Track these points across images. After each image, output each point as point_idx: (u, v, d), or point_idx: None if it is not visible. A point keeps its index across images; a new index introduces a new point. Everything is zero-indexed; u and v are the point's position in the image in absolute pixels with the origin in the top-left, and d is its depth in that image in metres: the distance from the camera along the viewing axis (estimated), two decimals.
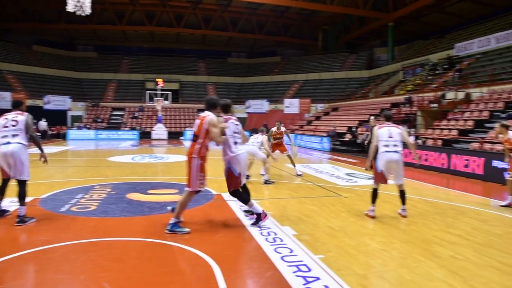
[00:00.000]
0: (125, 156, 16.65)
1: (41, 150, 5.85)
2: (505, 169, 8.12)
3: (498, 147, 11.54)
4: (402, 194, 6.21)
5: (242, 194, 5.51)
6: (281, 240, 4.80)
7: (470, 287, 3.55)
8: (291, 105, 34.95)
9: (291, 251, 4.41)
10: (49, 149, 19.55)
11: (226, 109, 5.61)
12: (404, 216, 6.13)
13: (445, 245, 4.78)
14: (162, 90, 33.96)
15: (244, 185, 5.74)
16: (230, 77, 43.87)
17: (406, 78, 29.83)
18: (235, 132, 5.41)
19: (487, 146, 12.49)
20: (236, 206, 6.73)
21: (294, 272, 3.78)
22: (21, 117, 5.64)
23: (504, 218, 6.39)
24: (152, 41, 45.82)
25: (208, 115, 5.09)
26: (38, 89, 35.16)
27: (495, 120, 14.41)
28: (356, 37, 40.49)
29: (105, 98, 38.14)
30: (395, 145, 6.01)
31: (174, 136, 32.66)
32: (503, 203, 7.31)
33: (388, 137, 6.05)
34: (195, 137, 5.10)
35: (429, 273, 3.85)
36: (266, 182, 9.32)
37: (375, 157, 6.23)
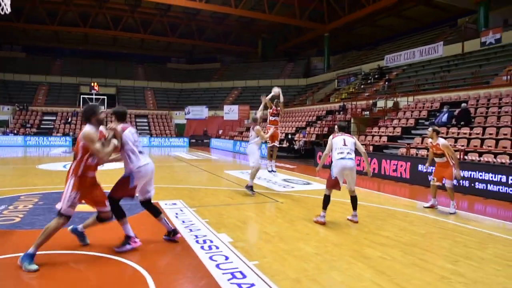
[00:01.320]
0: (56, 163, 15.72)
1: None
2: (429, 174, 8.72)
3: (423, 152, 12.39)
4: (354, 200, 6.40)
5: (119, 208, 4.72)
6: (217, 248, 4.78)
7: (395, 285, 3.76)
8: (231, 112, 35.11)
9: (227, 258, 4.41)
10: None
11: (122, 117, 4.87)
12: (355, 222, 6.30)
13: (375, 246, 5.03)
14: (97, 94, 32.59)
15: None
16: (169, 83, 43.15)
17: (341, 87, 31.16)
18: (136, 141, 4.78)
19: (413, 151, 13.35)
20: (172, 214, 6.60)
21: (229, 280, 3.78)
22: None
23: (427, 218, 6.86)
24: (87, 43, 43.87)
25: (84, 130, 4.35)
26: None
27: (420, 127, 15.49)
28: (293, 46, 41.72)
29: (35, 102, 35.83)
30: (349, 153, 6.17)
31: None
32: (427, 204, 7.86)
33: (343, 145, 6.22)
34: (75, 155, 4.46)
35: (359, 274, 4.03)
36: (249, 188, 8.85)
37: (328, 165, 6.40)
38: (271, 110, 10.13)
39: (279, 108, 10.19)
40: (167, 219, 5.40)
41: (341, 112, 23.10)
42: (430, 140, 7.67)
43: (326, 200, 6.22)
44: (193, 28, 40.07)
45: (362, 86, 27.78)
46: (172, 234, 5.02)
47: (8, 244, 4.87)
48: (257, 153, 8.99)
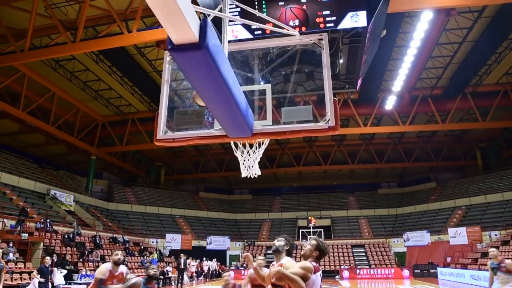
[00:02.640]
0: None
1: None
2: None
3: None
4: None
5: None
6: None
7: None
8: (457, 235, 30.96)
9: None
10: None
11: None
12: None
13: None
14: (314, 227, 34.03)
15: None
16: (382, 209, 42.01)
17: None
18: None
19: None
20: None
21: None
22: None
23: None
24: (301, 180, 48.07)
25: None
26: (203, 230, 38.96)
27: None
28: None
29: (260, 237, 39.68)
30: None
31: (329, 275, 31.14)
32: None
33: None
34: None
35: None
36: None
37: None
38: None
39: None
40: None
41: None
42: None
43: None
44: (400, 151, 39.63)
45: None
46: None
47: None
48: None
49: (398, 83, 25.59)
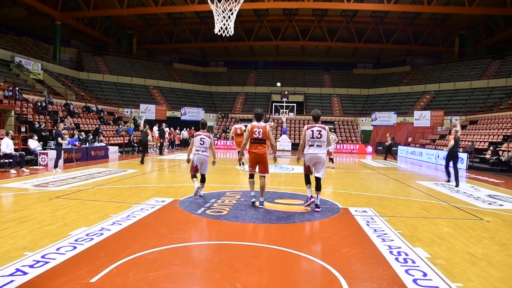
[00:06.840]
0: None
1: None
2: None
3: None
4: None
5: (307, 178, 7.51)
6: (413, 262, 4.48)
7: None
8: (422, 118, 32.64)
9: (425, 274, 4.08)
10: None
11: (315, 119, 7.43)
12: None
13: None
14: (287, 102, 34.79)
15: None
16: (355, 89, 42.96)
17: None
18: (312, 138, 7.27)
19: None
20: (363, 222, 6.51)
21: None
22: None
23: None
24: (277, 55, 47.47)
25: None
26: (177, 101, 39.25)
27: None
28: (501, 40, 36.05)
29: (234, 110, 40.54)
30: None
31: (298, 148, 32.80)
32: None
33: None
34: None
35: None
36: None
37: None
38: None
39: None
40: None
41: None
42: None
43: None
44: (380, 32, 38.98)
45: None
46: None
47: (219, 232, 5.64)
48: None
49: None
